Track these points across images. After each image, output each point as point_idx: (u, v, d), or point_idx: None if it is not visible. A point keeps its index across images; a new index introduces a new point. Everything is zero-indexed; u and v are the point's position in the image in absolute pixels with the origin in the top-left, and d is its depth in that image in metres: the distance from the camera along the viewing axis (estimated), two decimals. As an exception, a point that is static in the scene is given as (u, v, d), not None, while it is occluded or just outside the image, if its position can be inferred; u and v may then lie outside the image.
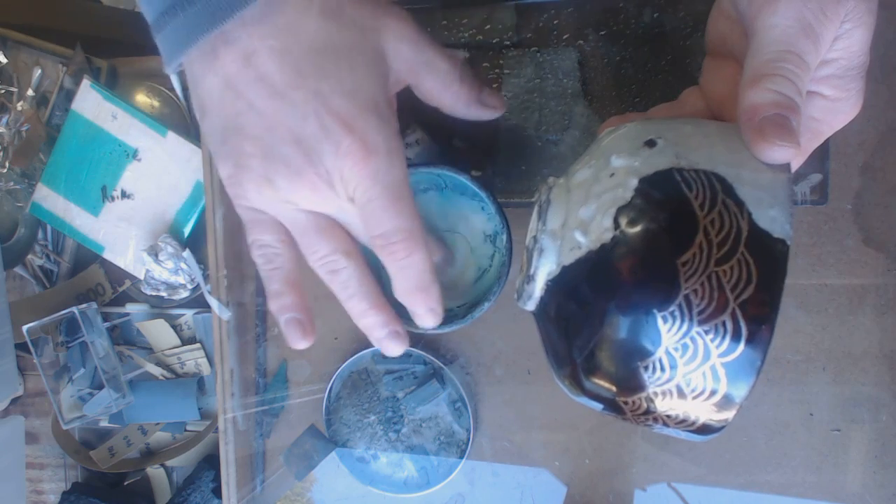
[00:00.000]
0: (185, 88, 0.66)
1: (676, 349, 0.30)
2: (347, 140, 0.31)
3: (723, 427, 0.32)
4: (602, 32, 0.52)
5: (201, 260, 0.65)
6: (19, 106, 0.67)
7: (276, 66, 0.31)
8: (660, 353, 0.31)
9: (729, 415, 0.31)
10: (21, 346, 0.67)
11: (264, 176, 0.33)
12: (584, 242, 0.33)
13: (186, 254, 0.63)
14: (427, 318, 0.37)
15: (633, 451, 0.58)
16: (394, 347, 0.38)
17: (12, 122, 0.67)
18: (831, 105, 0.32)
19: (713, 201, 0.30)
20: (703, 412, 0.31)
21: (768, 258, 0.29)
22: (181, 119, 0.66)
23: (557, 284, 0.35)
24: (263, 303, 0.63)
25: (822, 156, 0.51)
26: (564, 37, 0.53)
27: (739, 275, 0.29)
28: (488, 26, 0.54)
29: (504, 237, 0.50)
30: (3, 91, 0.68)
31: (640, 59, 0.52)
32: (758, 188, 0.30)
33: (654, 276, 0.30)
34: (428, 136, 0.55)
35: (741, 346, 0.29)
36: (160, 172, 0.65)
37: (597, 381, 0.33)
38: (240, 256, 0.63)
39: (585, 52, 0.53)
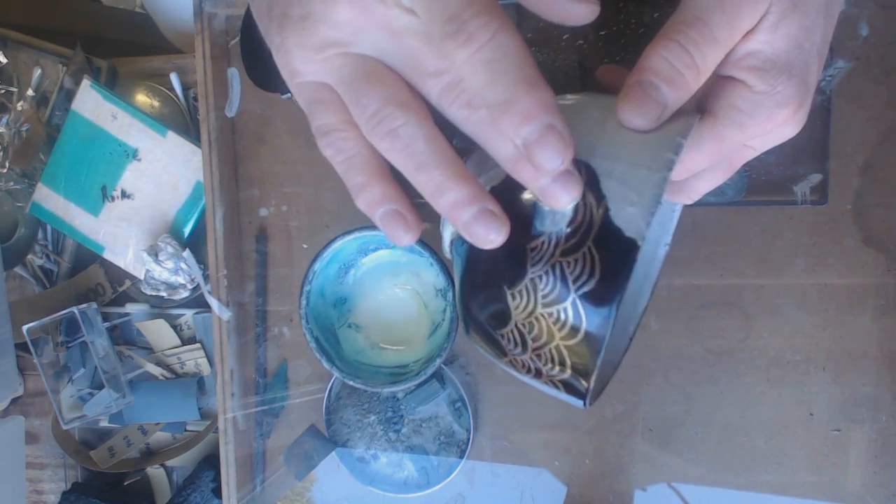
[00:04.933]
0: (184, 88, 0.66)
1: (524, 326, 0.32)
2: None
3: (585, 395, 0.32)
4: (602, 32, 0.52)
5: (201, 260, 0.65)
6: (19, 106, 0.67)
7: None
8: (511, 326, 0.33)
9: (583, 387, 0.32)
10: (21, 346, 0.67)
11: (302, 15, 0.29)
12: None
13: (186, 254, 0.63)
14: (548, 153, 0.26)
15: (634, 451, 0.58)
16: (489, 233, 0.28)
17: (12, 122, 0.67)
18: (755, 97, 0.31)
19: None
20: (557, 387, 0.33)
21: (613, 255, 0.29)
22: (181, 119, 0.66)
23: (452, 248, 0.38)
24: (263, 303, 0.63)
25: (822, 156, 0.51)
26: (564, 37, 0.53)
27: (583, 268, 0.30)
28: (488, 26, 0.54)
29: (452, 292, 0.51)
30: (3, 91, 0.68)
31: (640, 60, 0.52)
32: (625, 184, 0.30)
33: (506, 256, 0.32)
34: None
35: (581, 334, 0.30)
36: (160, 172, 0.65)
37: (477, 339, 0.36)
38: (240, 256, 0.63)
39: (585, 52, 0.53)
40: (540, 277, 0.31)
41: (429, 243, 0.50)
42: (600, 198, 0.30)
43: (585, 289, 0.30)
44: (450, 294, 0.53)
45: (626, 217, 0.29)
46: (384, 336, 0.57)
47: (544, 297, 0.31)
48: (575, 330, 0.31)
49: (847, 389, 0.55)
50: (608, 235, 0.29)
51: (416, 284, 0.57)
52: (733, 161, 0.36)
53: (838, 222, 0.54)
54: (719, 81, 0.32)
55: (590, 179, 0.30)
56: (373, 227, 0.50)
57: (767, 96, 0.31)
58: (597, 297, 0.30)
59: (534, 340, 0.32)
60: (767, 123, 0.32)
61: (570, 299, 0.30)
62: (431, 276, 0.56)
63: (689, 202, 0.38)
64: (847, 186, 0.53)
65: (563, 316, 0.31)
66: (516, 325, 0.32)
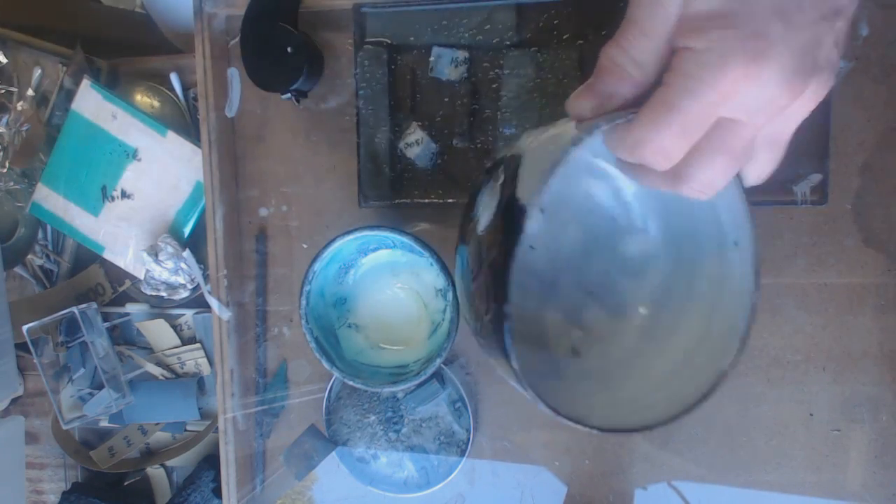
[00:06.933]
0: (184, 88, 0.66)
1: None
2: None
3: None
4: (602, 32, 0.52)
5: (201, 260, 0.65)
6: (19, 106, 0.67)
7: None
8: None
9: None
10: (21, 346, 0.67)
11: None
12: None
13: (186, 254, 0.63)
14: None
15: (634, 450, 0.58)
16: None
17: (12, 122, 0.67)
18: (697, 57, 0.30)
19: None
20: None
21: (509, 224, 0.34)
22: (181, 119, 0.66)
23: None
24: (263, 303, 0.63)
25: (822, 156, 0.51)
26: (564, 37, 0.53)
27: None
28: (488, 26, 0.54)
29: (452, 292, 0.51)
30: (3, 91, 0.68)
31: (640, 59, 0.52)
32: (535, 162, 0.34)
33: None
34: (428, 137, 0.55)
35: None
36: (160, 172, 0.65)
37: (492, 349, 0.40)
38: (240, 256, 0.63)
39: (585, 52, 0.53)
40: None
41: (429, 243, 0.50)
42: (514, 178, 0.34)
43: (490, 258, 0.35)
44: (450, 294, 0.54)
45: (523, 187, 0.33)
46: (384, 336, 0.57)
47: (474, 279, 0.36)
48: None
49: (847, 389, 0.55)
50: (510, 208, 0.33)
51: (416, 284, 0.57)
52: (728, 142, 0.32)
53: (838, 222, 0.54)
54: (673, 56, 0.32)
55: (514, 173, 0.35)
56: (373, 227, 0.50)
57: (709, 53, 0.30)
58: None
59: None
60: (721, 82, 0.30)
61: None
62: (431, 276, 0.56)
63: (701, 196, 0.34)
64: (847, 186, 0.53)
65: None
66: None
